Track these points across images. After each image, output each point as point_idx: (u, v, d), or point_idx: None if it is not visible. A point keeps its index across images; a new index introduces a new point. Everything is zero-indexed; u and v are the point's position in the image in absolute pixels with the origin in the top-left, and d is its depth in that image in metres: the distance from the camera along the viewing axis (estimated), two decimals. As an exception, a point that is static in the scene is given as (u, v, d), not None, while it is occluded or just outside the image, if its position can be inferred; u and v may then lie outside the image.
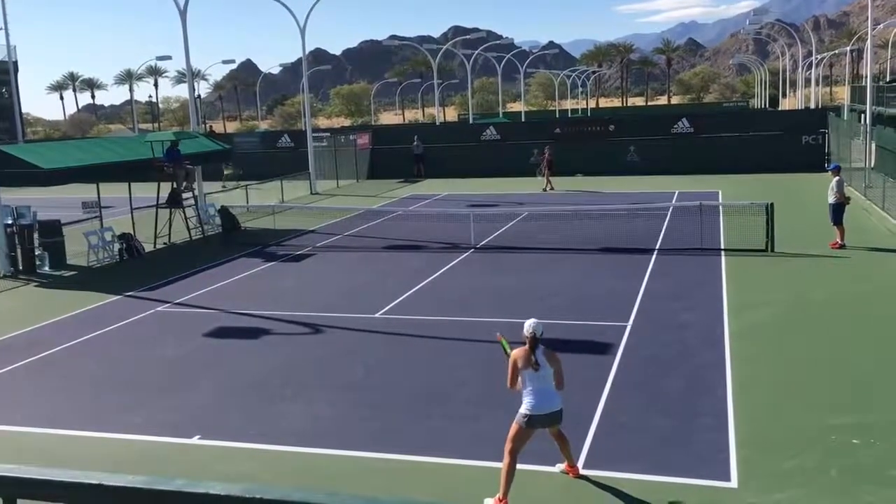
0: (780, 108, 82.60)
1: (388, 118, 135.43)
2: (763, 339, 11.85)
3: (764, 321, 12.75)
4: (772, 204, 17.99)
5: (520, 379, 7.34)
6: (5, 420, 9.93)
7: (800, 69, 77.89)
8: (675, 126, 37.04)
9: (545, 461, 8.04)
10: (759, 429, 8.62)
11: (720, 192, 27.71)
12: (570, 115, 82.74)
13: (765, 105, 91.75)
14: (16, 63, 53.77)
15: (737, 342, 11.60)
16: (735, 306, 13.51)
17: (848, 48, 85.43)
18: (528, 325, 7.32)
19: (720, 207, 22.11)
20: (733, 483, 7.48)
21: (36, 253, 19.75)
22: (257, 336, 13.26)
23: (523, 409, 7.27)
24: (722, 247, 18.47)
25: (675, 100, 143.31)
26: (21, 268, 19.35)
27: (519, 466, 7.94)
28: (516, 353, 7.36)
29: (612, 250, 18.96)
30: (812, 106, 67.48)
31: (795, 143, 34.65)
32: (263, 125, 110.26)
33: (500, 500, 7.16)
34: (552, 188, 31.28)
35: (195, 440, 9.04)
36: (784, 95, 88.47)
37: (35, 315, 15.16)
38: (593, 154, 36.82)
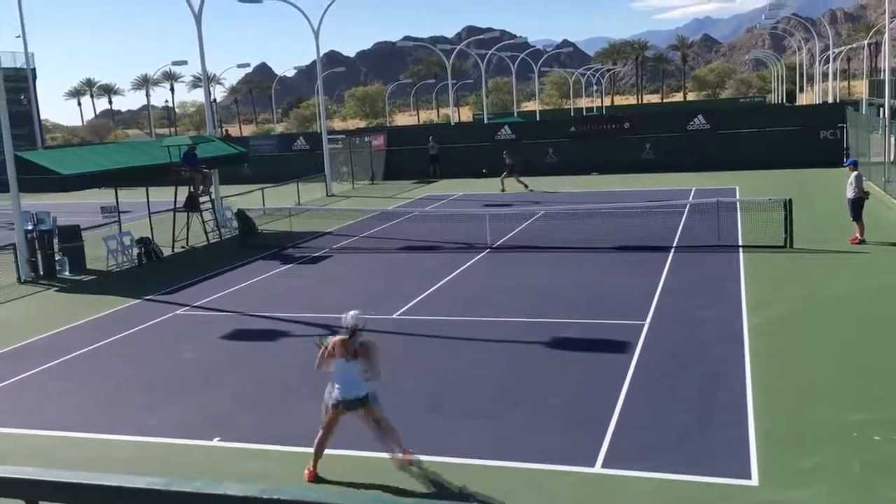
0: (797, 104, 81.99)
1: (403, 119, 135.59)
2: (782, 335, 11.76)
3: (783, 317, 12.67)
4: (790, 200, 17.86)
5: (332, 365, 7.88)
6: (27, 423, 10.04)
7: (817, 63, 77.27)
8: (691, 123, 36.85)
9: (559, 460, 8.03)
10: (779, 425, 8.57)
11: (737, 189, 27.55)
12: (585, 114, 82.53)
13: (782, 100, 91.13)
14: (34, 70, 54.31)
15: (756, 338, 11.53)
16: (754, 302, 13.43)
17: (865, 42, 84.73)
18: (349, 316, 7.94)
19: (738, 204, 21.98)
20: (754, 480, 7.43)
21: (56, 258, 19.93)
22: (275, 338, 13.32)
23: (328, 396, 7.86)
24: (740, 243, 18.36)
25: (690, 96, 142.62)
26: (42, 273, 19.53)
27: (533, 465, 7.97)
28: (335, 340, 7.90)
29: (628, 248, 18.89)
30: (830, 100, 66.91)
31: (813, 139, 34.38)
32: (279, 128, 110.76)
33: (310, 471, 7.87)
34: (524, 186, 31.28)
35: (215, 442, 9.09)
36: (801, 90, 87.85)
37: (56, 319, 15.31)
38: (609, 152, 36.70)
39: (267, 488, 1.48)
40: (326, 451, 8.65)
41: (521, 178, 31.65)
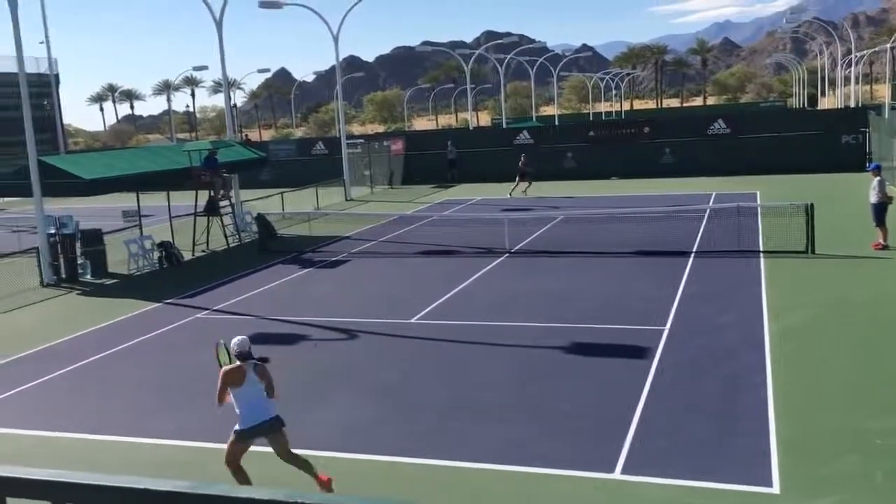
0: (818, 108, 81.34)
1: (422, 123, 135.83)
2: (804, 341, 11.66)
3: (805, 323, 12.56)
4: (812, 204, 17.71)
5: (231, 395, 7.53)
6: (50, 425, 10.14)
7: (839, 67, 76.66)
8: (711, 127, 36.64)
9: (578, 466, 8.01)
10: (800, 432, 8.49)
11: (758, 194, 27.36)
12: (604, 118, 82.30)
13: (803, 104, 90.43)
14: (57, 76, 55.01)
15: (777, 345, 11.43)
16: (775, 309, 13.32)
17: (888, 45, 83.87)
18: (235, 342, 7.55)
19: (758, 209, 21.82)
20: (775, 488, 7.37)
21: (78, 262, 20.12)
22: (294, 342, 13.37)
23: (237, 424, 7.52)
24: (761, 249, 18.23)
25: (710, 100, 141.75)
26: (64, 276, 19.72)
27: (551, 471, 7.93)
28: (226, 370, 7.52)
29: (648, 253, 18.81)
30: (852, 105, 66.33)
31: (835, 143, 34.08)
32: (298, 132, 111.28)
33: None
34: (524, 193, 31.26)
35: (235, 445, 9.12)
36: (823, 94, 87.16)
37: (78, 322, 15.45)
38: (628, 156, 36.60)
39: (292, 493, 1.49)
40: (347, 455, 8.67)
41: (521, 184, 31.61)
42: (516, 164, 32.43)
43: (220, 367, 7.63)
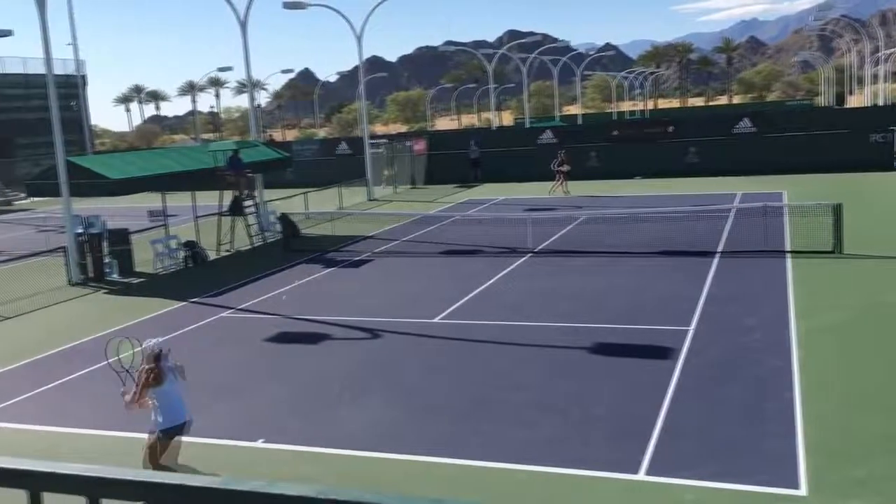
0: (846, 106, 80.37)
1: (445, 123, 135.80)
2: (832, 343, 11.53)
3: (833, 325, 12.41)
4: (840, 204, 17.50)
5: (149, 397, 7.76)
6: (78, 422, 10.27)
7: (867, 65, 75.68)
8: (737, 126, 36.33)
9: (602, 467, 7.97)
10: (828, 435, 8.39)
11: (785, 193, 27.09)
12: (627, 117, 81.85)
13: (831, 103, 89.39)
14: (84, 77, 55.61)
15: (804, 346, 11.31)
16: (802, 310, 13.18)
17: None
18: (153, 344, 7.83)
19: (785, 208, 21.60)
20: (802, 491, 7.29)
21: (105, 261, 20.34)
22: (317, 341, 13.43)
23: (160, 425, 7.76)
24: (787, 249, 18.04)
25: (736, 99, 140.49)
26: (91, 275, 19.94)
27: (576, 472, 7.91)
28: (143, 373, 7.74)
29: (672, 253, 18.69)
30: (880, 103, 65.45)
31: (863, 142, 33.66)
32: (321, 132, 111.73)
33: None
34: (567, 192, 31.25)
35: (259, 443, 9.20)
36: (851, 92, 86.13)
37: (105, 321, 15.61)
38: (652, 156, 36.37)
39: (323, 489, 1.50)
40: (375, 455, 8.69)
41: (559, 182, 31.61)
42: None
43: (120, 361, 7.85)
